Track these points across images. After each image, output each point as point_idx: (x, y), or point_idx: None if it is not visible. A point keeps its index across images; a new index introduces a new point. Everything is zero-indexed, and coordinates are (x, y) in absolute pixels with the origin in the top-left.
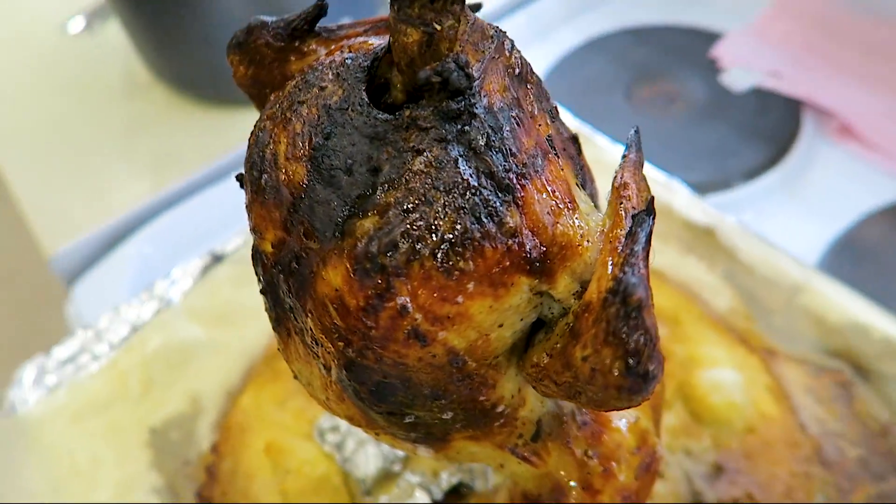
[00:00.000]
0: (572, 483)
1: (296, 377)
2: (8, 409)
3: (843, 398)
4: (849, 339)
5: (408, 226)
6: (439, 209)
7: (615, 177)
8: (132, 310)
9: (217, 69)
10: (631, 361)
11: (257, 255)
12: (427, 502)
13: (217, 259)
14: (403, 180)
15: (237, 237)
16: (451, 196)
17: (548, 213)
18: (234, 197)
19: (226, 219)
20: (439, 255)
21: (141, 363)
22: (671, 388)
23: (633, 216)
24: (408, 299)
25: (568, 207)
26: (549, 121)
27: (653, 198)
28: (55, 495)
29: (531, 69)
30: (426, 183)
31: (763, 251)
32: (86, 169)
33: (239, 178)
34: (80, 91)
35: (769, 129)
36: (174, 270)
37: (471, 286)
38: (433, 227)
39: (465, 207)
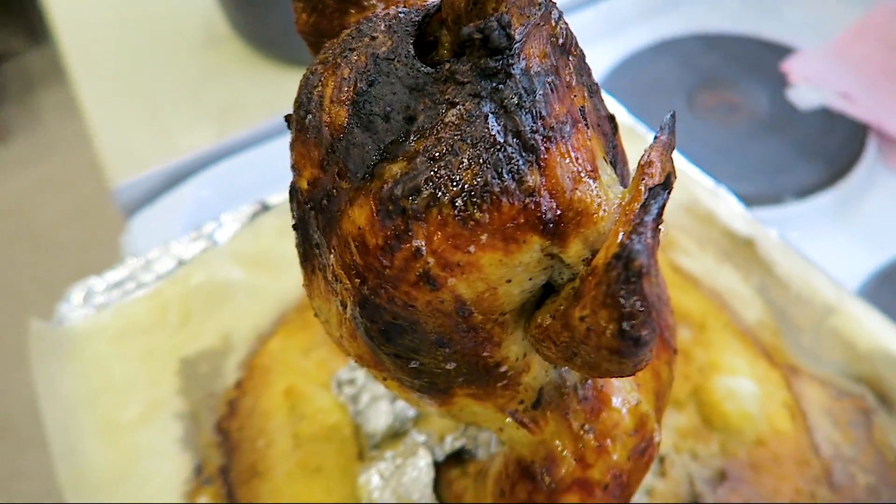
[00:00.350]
0: (566, 453)
1: (316, 314)
2: (56, 321)
3: (861, 424)
4: (876, 367)
5: (432, 173)
6: (464, 160)
7: (642, 155)
8: (181, 246)
9: (291, 30)
10: (625, 325)
11: (294, 192)
12: (428, 461)
13: (266, 208)
14: (434, 130)
15: (286, 191)
16: (476, 149)
17: (568, 177)
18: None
19: (281, 172)
20: (457, 204)
21: (182, 296)
22: (687, 389)
23: (650, 189)
24: (423, 243)
25: (590, 176)
26: (586, 94)
27: (671, 173)
28: (89, 404)
29: (576, 42)
30: (455, 134)
31: (801, 268)
32: (157, 110)
33: (287, 118)
34: (162, 37)
35: (830, 150)
36: (223, 215)
37: (484, 237)
38: (455, 176)
39: (488, 161)
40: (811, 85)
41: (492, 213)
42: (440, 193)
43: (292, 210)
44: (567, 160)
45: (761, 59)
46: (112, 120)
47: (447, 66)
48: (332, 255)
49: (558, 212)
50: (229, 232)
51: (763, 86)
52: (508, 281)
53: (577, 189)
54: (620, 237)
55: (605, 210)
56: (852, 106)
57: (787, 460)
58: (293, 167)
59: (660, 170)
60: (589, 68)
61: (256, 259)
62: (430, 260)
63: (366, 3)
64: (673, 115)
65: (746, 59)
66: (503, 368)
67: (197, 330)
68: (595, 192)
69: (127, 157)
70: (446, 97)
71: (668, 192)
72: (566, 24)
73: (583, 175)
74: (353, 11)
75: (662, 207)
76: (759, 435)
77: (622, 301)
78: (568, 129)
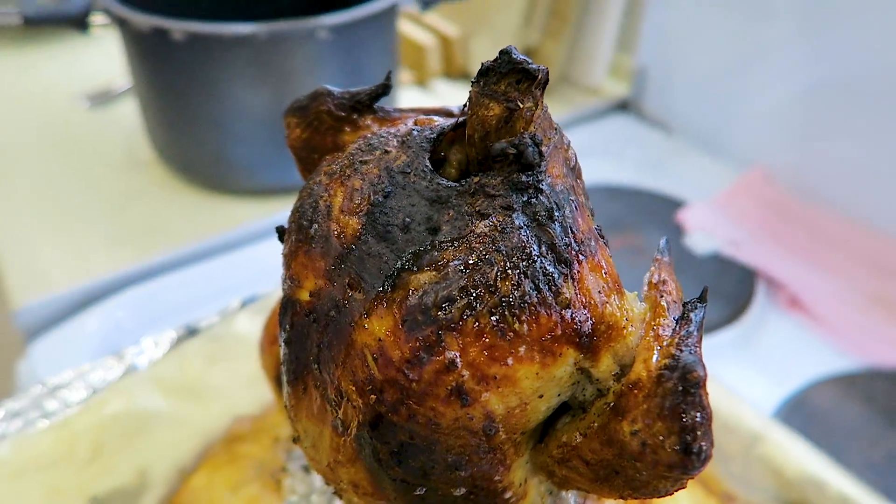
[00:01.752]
0: None
1: (296, 440)
2: None
3: None
4: (805, 492)
5: (466, 282)
6: (500, 270)
7: (651, 275)
8: (95, 372)
9: (218, 157)
10: (687, 437)
11: (288, 305)
12: None
13: (191, 332)
14: (465, 240)
15: (215, 315)
16: (512, 260)
17: (598, 292)
18: (216, 277)
19: (207, 296)
20: (496, 314)
21: (95, 427)
22: None
23: (686, 303)
24: (457, 354)
25: (616, 291)
26: (590, 216)
27: (706, 288)
28: None
29: (580, 168)
30: (489, 245)
31: (725, 398)
32: (70, 231)
33: (280, 230)
34: (82, 160)
35: (726, 291)
36: (144, 339)
37: (522, 349)
38: (493, 286)
39: (525, 273)
40: (704, 233)
41: (531, 324)
42: (477, 303)
43: (283, 325)
44: (596, 275)
45: (659, 210)
46: (19, 239)
47: (476, 178)
48: (338, 371)
49: (592, 325)
50: (151, 357)
51: (663, 232)
52: (540, 396)
53: (607, 303)
54: (657, 353)
55: (633, 326)
56: (740, 252)
57: None
58: (291, 279)
59: (674, 287)
60: (587, 193)
61: (180, 387)
62: (466, 373)
63: (360, 123)
64: (668, 241)
65: (646, 208)
66: (508, 494)
67: (109, 465)
68: (622, 308)
69: (33, 276)
70: (476, 209)
71: (705, 306)
72: (573, 149)
73: (611, 290)
74: (347, 129)
75: (702, 320)
76: None
77: (682, 413)
78: (593, 244)
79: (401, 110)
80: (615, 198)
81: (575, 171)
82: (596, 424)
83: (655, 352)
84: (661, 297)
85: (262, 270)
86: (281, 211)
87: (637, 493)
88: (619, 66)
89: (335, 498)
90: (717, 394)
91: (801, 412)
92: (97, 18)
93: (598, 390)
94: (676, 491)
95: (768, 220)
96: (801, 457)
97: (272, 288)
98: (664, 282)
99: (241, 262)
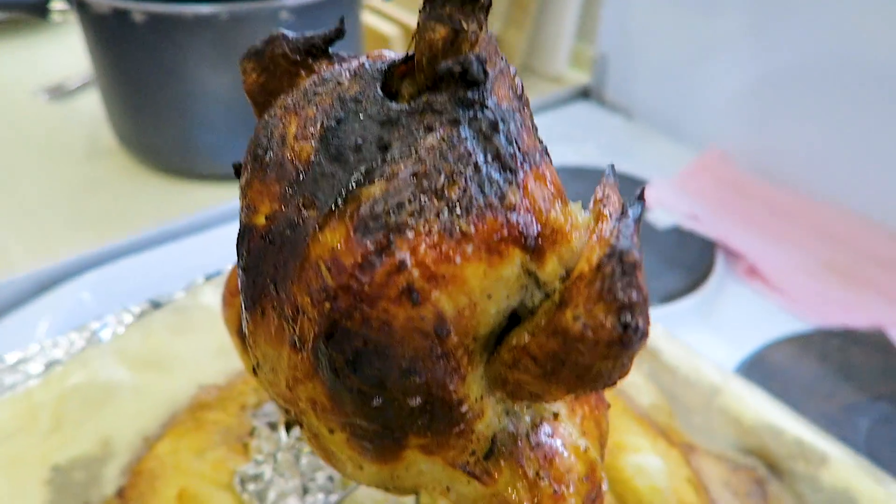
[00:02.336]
0: (522, 503)
1: (255, 370)
2: None
3: (757, 494)
4: (763, 439)
5: (415, 189)
6: (447, 177)
7: (596, 193)
8: (57, 347)
9: (182, 142)
10: (624, 315)
11: (245, 232)
12: None
13: (156, 306)
14: (414, 152)
15: (180, 292)
16: (459, 167)
17: (543, 199)
18: (181, 259)
19: (170, 277)
20: (444, 215)
21: (56, 398)
22: None
23: (624, 203)
24: (407, 255)
25: (560, 200)
26: (537, 138)
27: (644, 186)
28: None
29: (528, 98)
30: (436, 155)
31: (685, 355)
32: (31, 218)
33: (236, 165)
34: (43, 151)
35: (687, 262)
36: (108, 314)
37: (469, 249)
38: (440, 192)
39: (472, 179)
40: (664, 208)
41: (478, 225)
42: (425, 207)
43: (240, 254)
44: (540, 183)
45: (622, 189)
46: None
47: (424, 98)
48: (293, 286)
49: (537, 228)
50: (114, 330)
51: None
52: (489, 296)
53: (551, 210)
54: (598, 249)
55: (577, 232)
56: (700, 225)
57: None
58: (247, 207)
59: (616, 199)
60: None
61: (144, 358)
62: (415, 272)
63: (316, 68)
64: (612, 166)
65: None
66: (464, 408)
67: (71, 434)
68: (566, 214)
69: None
70: (424, 124)
71: (644, 204)
72: (520, 79)
73: (555, 198)
74: (303, 74)
75: (640, 216)
76: None
77: (620, 294)
78: (538, 157)
79: (356, 56)
80: (580, 178)
81: (522, 100)
82: (543, 322)
83: (597, 250)
84: (605, 207)
85: (229, 253)
86: None
87: (583, 380)
88: (580, 54)
89: (302, 455)
90: (678, 350)
91: (758, 371)
92: (57, 4)
93: (546, 294)
94: (620, 378)
95: (726, 196)
96: (758, 406)
97: None
98: (608, 196)
99: (206, 244)
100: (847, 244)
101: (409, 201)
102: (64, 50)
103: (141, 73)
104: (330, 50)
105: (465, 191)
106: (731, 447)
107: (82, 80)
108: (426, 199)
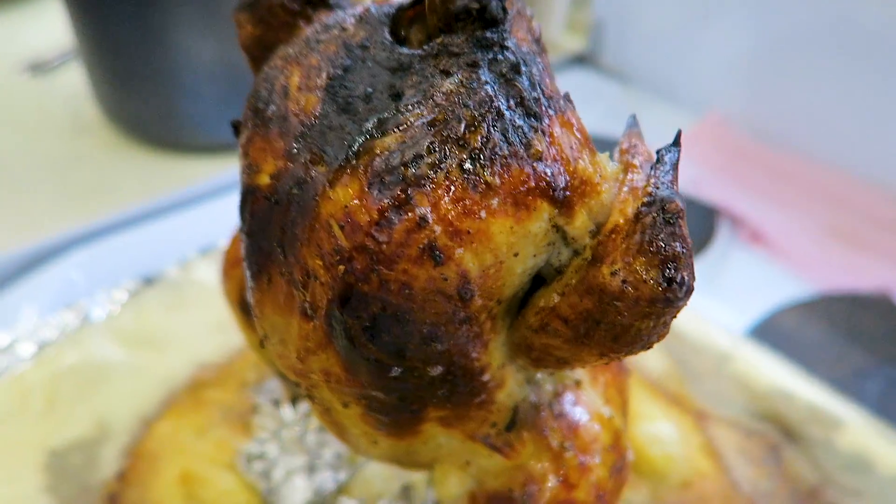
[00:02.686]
0: (548, 475)
1: (263, 342)
2: None
3: (772, 460)
4: (776, 404)
5: (434, 138)
6: (468, 124)
7: (621, 143)
8: (49, 325)
9: (169, 113)
10: (668, 268)
11: (247, 194)
12: None
13: (148, 283)
14: (430, 99)
15: (174, 267)
16: (480, 113)
17: (570, 147)
18: (171, 235)
19: (161, 253)
20: (466, 166)
21: (50, 379)
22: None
23: (659, 149)
24: (428, 210)
25: (588, 148)
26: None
27: (680, 131)
28: None
29: (545, 44)
30: (455, 101)
31: (693, 321)
32: (17, 195)
33: (235, 123)
34: (27, 128)
35: (690, 227)
36: (100, 291)
37: (494, 202)
38: (461, 140)
39: (494, 125)
40: None
41: (503, 175)
42: (446, 157)
43: (244, 217)
44: (567, 131)
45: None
46: None
47: (439, 39)
48: (304, 249)
49: (566, 179)
50: (108, 308)
51: None
52: (516, 255)
53: (579, 159)
54: (633, 201)
55: (607, 182)
56: (702, 191)
57: (713, 500)
58: (249, 166)
59: (644, 149)
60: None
61: (139, 336)
62: (437, 228)
63: (316, 19)
64: (634, 116)
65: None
66: (486, 377)
67: (67, 417)
68: (595, 164)
69: None
70: (440, 68)
71: (679, 149)
72: (539, 24)
73: (583, 146)
74: (302, 25)
75: (677, 161)
76: (684, 477)
77: (662, 244)
78: (563, 103)
79: (360, 4)
80: None
81: (540, 45)
82: (574, 281)
83: (631, 201)
84: (633, 157)
85: (221, 228)
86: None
87: (619, 342)
88: (576, 20)
89: (308, 432)
90: (687, 317)
91: (767, 337)
92: None
93: (574, 251)
94: (660, 338)
95: (727, 161)
96: (769, 371)
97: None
98: (634, 145)
99: (197, 218)
100: (850, 207)
101: (428, 152)
102: (43, 24)
103: (125, 42)
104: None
105: (487, 139)
106: (744, 413)
107: (64, 55)
108: (446, 149)
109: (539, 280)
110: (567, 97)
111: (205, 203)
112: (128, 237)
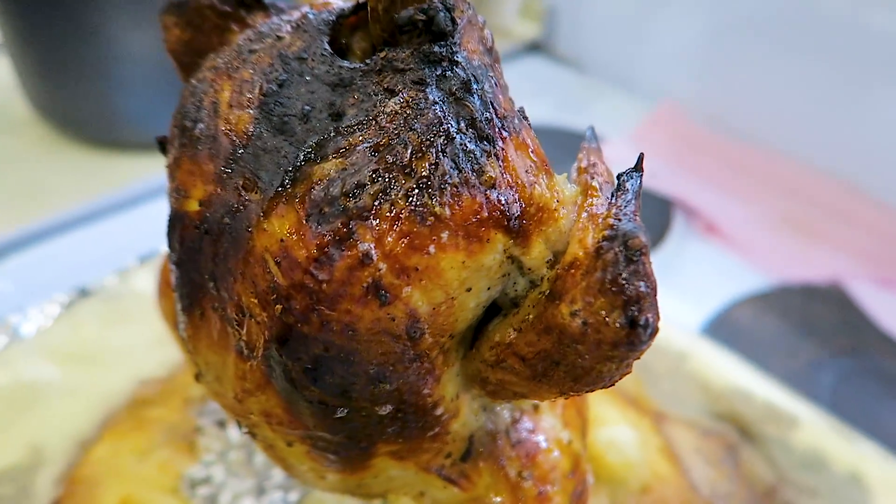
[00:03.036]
0: None
1: (198, 378)
2: None
3: (730, 459)
4: (733, 404)
5: (378, 165)
6: (415, 149)
7: (579, 161)
8: None
9: (104, 109)
10: (632, 310)
11: (176, 221)
12: None
13: (84, 294)
14: (373, 121)
15: (111, 277)
16: (428, 137)
17: (526, 171)
18: (110, 240)
19: (98, 259)
20: (413, 197)
21: None
22: None
23: (619, 174)
24: (372, 245)
25: (545, 172)
26: (510, 100)
27: (642, 155)
28: None
29: (498, 53)
30: (400, 123)
31: None
32: None
33: (161, 140)
34: None
35: (645, 220)
36: (30, 306)
37: (444, 235)
38: (407, 167)
39: (443, 150)
40: (620, 167)
41: (453, 206)
42: (391, 186)
43: (172, 245)
44: (522, 153)
45: (577, 147)
46: None
47: (382, 53)
48: (237, 284)
49: (521, 206)
50: (39, 323)
51: None
52: (469, 290)
53: (535, 184)
54: (592, 231)
55: (564, 208)
56: (657, 183)
57: (672, 503)
58: (176, 190)
59: (604, 169)
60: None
61: (74, 353)
62: (382, 265)
63: (250, 21)
64: (592, 128)
65: (564, 146)
66: (439, 411)
67: None
68: (552, 188)
69: None
70: (384, 86)
71: (641, 174)
72: (490, 31)
73: (539, 170)
74: (235, 28)
75: (639, 189)
76: (644, 482)
77: (624, 284)
78: (517, 122)
79: (297, 6)
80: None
81: (493, 55)
82: (531, 316)
83: (591, 230)
84: (592, 178)
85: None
86: None
87: (579, 383)
88: (529, 7)
89: (255, 453)
90: None
91: (723, 331)
92: None
93: (531, 282)
94: (622, 377)
95: (681, 152)
96: (727, 370)
97: None
98: (593, 164)
99: (137, 221)
100: (802, 197)
101: (371, 180)
102: None
103: (56, 33)
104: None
105: (436, 165)
106: (701, 413)
107: None
108: (391, 178)
109: (493, 308)
110: (522, 113)
111: (144, 205)
112: (61, 244)
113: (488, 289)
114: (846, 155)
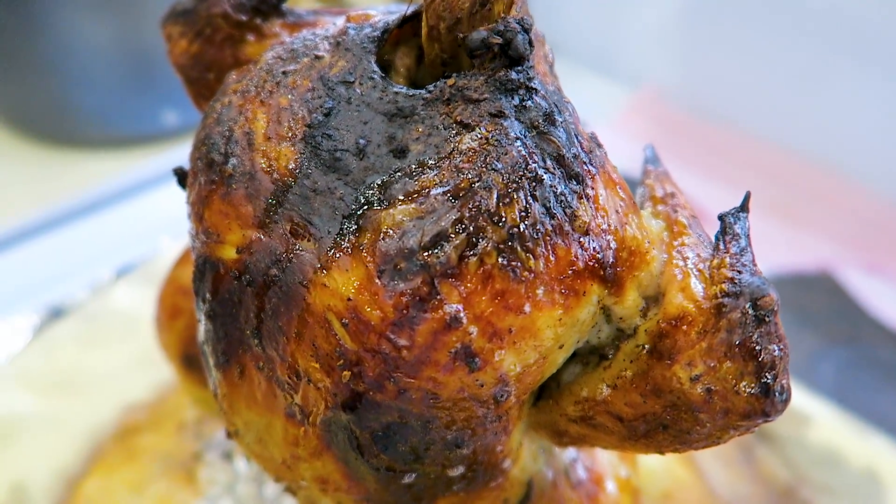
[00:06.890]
0: None
1: (231, 435)
2: None
3: (746, 460)
4: None
5: (460, 213)
6: (501, 194)
7: (652, 188)
8: None
9: (60, 104)
10: (766, 376)
11: (206, 268)
12: None
13: (57, 314)
14: (448, 162)
15: (83, 290)
16: (514, 179)
17: (616, 211)
18: (75, 249)
19: (68, 273)
20: (505, 251)
21: None
22: None
23: (722, 215)
24: (460, 307)
25: (632, 209)
26: None
27: (748, 193)
28: None
29: (555, 72)
30: (481, 163)
31: None
32: None
33: (179, 172)
34: None
35: None
36: None
37: (540, 292)
38: (496, 215)
39: (533, 194)
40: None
41: (547, 258)
42: (479, 239)
43: (201, 294)
44: (611, 192)
45: None
46: None
47: (451, 80)
48: (290, 345)
49: (614, 253)
50: (7, 350)
51: None
52: (561, 346)
53: (626, 224)
54: (695, 279)
55: (654, 248)
56: (640, 169)
57: None
58: (205, 232)
59: (682, 200)
60: None
61: (52, 380)
62: (473, 329)
63: (267, 31)
64: (652, 147)
65: None
66: (506, 464)
67: None
68: (642, 228)
69: None
70: (456, 119)
71: (748, 215)
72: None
73: (627, 208)
74: (250, 39)
75: (748, 233)
76: (664, 489)
77: (757, 347)
78: (598, 153)
79: (317, 13)
80: None
81: (553, 70)
82: (629, 373)
83: (693, 277)
84: (675, 212)
85: (135, 234)
86: (151, 162)
87: (686, 446)
88: None
89: (265, 484)
90: None
91: None
92: None
93: (619, 330)
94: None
95: (664, 138)
96: None
97: (152, 252)
98: (671, 195)
99: (106, 228)
100: (786, 183)
101: (455, 231)
102: None
103: (4, 27)
104: (283, 7)
105: (526, 212)
106: None
107: None
108: (478, 227)
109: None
110: (596, 140)
111: (111, 209)
112: (21, 255)
113: (577, 342)
114: (829, 140)
